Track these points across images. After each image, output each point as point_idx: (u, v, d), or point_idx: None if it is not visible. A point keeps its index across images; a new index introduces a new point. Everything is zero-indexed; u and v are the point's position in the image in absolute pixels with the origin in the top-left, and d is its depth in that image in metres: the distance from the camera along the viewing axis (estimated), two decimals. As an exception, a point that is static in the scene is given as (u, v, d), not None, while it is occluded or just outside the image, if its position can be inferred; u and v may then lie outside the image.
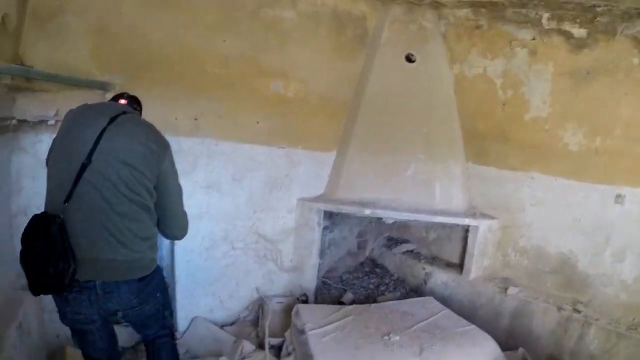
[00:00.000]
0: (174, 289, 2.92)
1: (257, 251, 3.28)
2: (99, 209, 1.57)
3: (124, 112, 1.71)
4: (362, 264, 4.19)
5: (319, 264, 3.55)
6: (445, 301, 3.20)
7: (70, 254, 1.51)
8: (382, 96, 3.37)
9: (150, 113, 2.05)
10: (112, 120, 1.62)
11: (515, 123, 3.06)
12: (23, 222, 1.62)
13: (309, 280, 3.45)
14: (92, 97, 2.28)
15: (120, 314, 1.75)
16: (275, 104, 3.13)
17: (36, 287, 1.54)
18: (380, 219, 3.40)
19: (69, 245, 1.51)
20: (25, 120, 2.32)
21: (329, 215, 3.53)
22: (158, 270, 1.84)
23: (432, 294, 3.44)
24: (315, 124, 3.32)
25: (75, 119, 1.65)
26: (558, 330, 2.70)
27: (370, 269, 4.08)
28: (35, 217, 1.55)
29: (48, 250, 1.48)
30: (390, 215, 3.34)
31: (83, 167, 1.53)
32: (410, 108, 3.35)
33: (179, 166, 1.82)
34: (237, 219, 3.14)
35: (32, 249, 1.51)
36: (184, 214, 1.91)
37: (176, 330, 2.95)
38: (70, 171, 1.54)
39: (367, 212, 3.27)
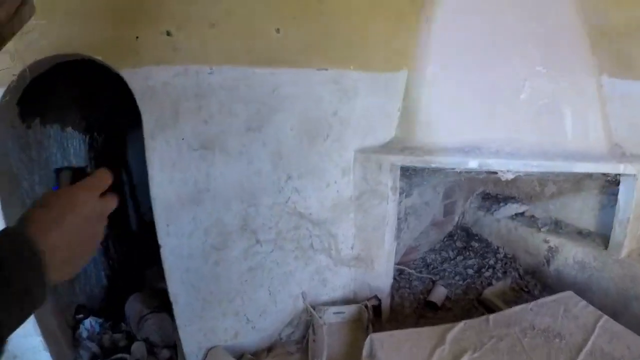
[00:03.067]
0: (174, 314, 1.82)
1: (299, 241, 2.07)
2: None
3: None
4: (451, 236, 2.94)
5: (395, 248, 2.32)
6: (581, 290, 2.09)
7: None
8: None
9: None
10: None
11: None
12: None
13: (382, 276, 2.23)
14: None
15: None
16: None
17: None
18: (494, 173, 2.08)
19: None
20: None
21: (404, 173, 2.25)
22: None
23: (559, 279, 2.37)
24: (373, 29, 1.99)
25: None
26: None
27: (465, 244, 2.84)
28: None
29: None
30: (509, 167, 2.02)
31: None
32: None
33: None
34: (262, 193, 1.92)
35: None
36: None
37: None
38: None
39: (473, 164, 1.99)
